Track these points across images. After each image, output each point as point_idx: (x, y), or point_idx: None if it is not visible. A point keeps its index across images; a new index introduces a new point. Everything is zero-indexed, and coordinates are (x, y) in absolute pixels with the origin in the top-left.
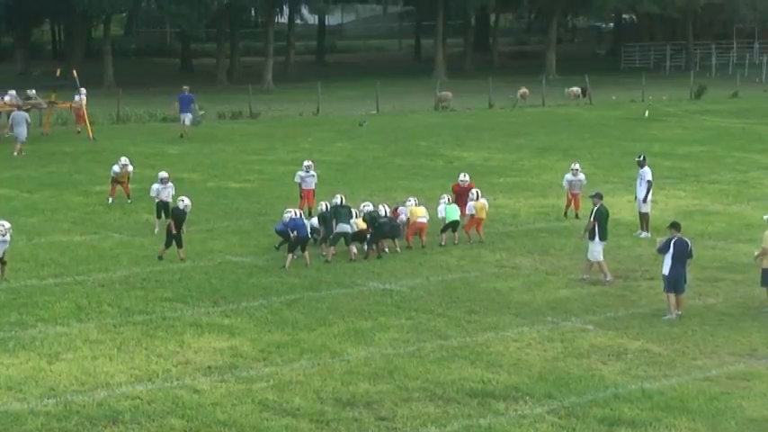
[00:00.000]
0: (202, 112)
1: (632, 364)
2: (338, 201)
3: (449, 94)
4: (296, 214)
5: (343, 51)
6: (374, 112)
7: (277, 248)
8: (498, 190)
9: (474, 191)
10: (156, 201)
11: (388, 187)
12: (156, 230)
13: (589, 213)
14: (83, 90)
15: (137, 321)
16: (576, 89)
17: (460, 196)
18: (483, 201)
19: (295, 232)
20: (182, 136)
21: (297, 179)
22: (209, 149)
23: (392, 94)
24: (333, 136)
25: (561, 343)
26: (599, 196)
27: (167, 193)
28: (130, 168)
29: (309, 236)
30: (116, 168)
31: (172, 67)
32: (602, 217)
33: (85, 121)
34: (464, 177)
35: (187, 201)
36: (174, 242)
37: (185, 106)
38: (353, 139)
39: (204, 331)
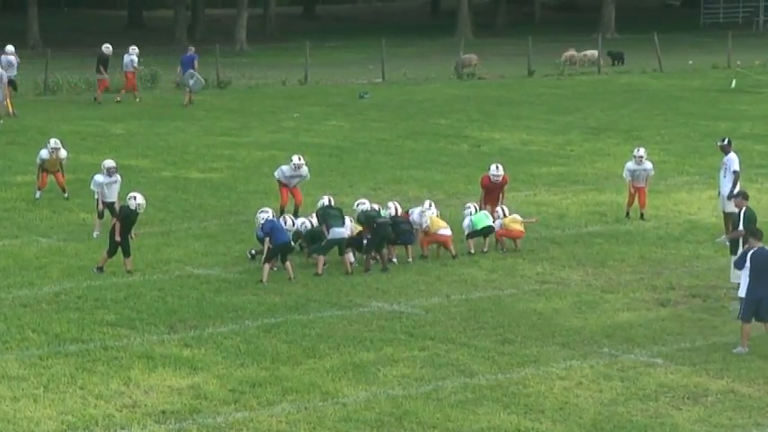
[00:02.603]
0: (201, 79)
1: (713, 410)
2: (326, 201)
3: (473, 56)
4: (273, 215)
5: (338, 2)
6: (379, 80)
7: (252, 257)
8: (540, 183)
9: (499, 208)
10: (98, 197)
11: (396, 179)
12: (96, 234)
13: (737, 218)
14: (134, 49)
15: (69, 352)
16: (568, 54)
17: (491, 193)
18: (515, 215)
19: (268, 238)
20: (190, 101)
21: (279, 176)
22: (165, 128)
23: (402, 57)
24: (325, 111)
25: (621, 382)
26: (744, 196)
27: (114, 189)
28: (63, 154)
29: (292, 242)
30: (44, 153)
31: (116, 20)
32: (750, 223)
33: (134, 89)
34: (497, 171)
35: (140, 199)
36: (119, 250)
37: (188, 69)
38: (352, 115)
39: (157, 365)
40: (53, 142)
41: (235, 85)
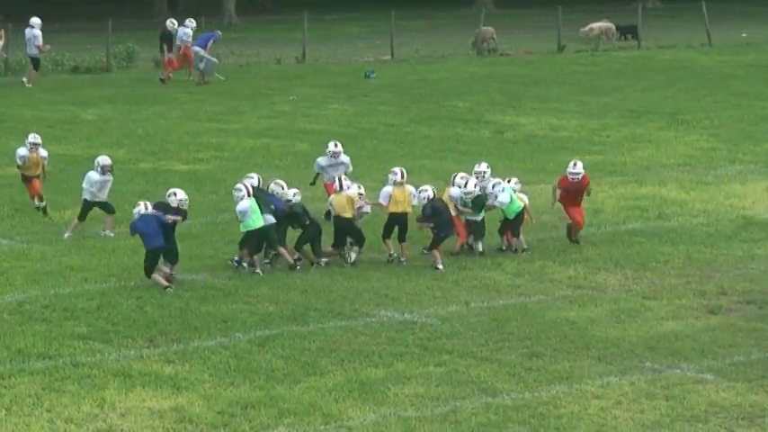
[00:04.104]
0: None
1: None
2: (254, 181)
3: (489, 29)
4: (146, 208)
5: None
6: (387, 57)
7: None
8: None
9: (498, 181)
10: (89, 198)
11: (407, 169)
12: (68, 235)
13: None
14: (191, 21)
15: (35, 369)
16: (604, 25)
17: (570, 195)
18: (522, 194)
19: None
20: (204, 82)
21: (318, 170)
22: (143, 114)
23: (414, 31)
24: (326, 93)
25: (666, 401)
26: None
27: (106, 188)
28: (44, 153)
29: (163, 245)
30: (22, 151)
31: None
32: None
33: (191, 65)
34: (574, 168)
35: (181, 194)
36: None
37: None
38: (356, 98)
39: (135, 384)
40: (32, 137)
41: (223, 63)
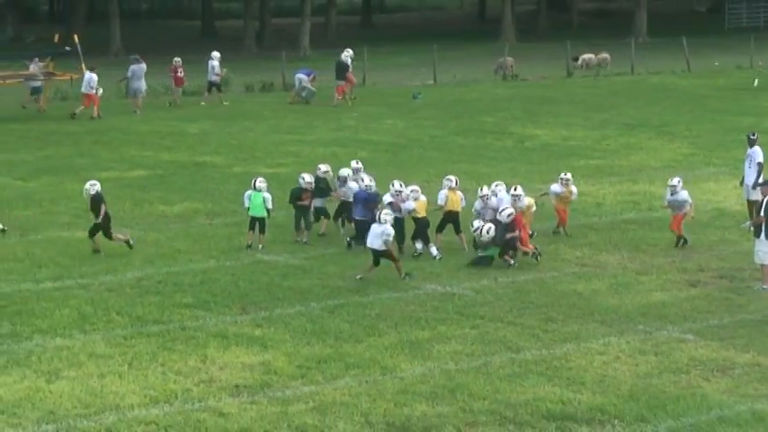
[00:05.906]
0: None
1: (740, 381)
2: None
3: (509, 59)
4: None
5: (393, 11)
6: (431, 82)
7: (349, 245)
8: (579, 174)
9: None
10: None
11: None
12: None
13: (759, 205)
14: (348, 51)
15: (151, 332)
16: (590, 57)
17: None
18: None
19: None
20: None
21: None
22: (236, 128)
23: (452, 60)
24: (382, 111)
25: (655, 356)
26: None
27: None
28: None
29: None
30: None
31: (190, 30)
32: None
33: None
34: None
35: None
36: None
37: (302, 77)
38: (406, 114)
39: (231, 344)
40: None
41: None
